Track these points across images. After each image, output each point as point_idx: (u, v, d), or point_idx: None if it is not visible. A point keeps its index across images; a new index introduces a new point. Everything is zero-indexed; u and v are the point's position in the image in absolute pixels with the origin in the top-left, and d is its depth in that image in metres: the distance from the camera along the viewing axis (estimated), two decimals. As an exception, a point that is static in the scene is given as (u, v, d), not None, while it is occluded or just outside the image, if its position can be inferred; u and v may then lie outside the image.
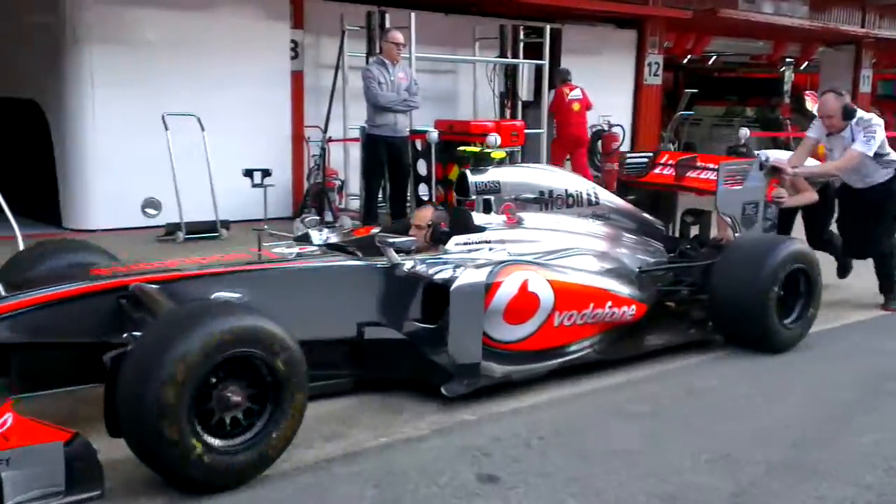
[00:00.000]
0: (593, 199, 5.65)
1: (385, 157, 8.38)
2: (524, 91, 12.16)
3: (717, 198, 5.81)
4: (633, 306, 5.03)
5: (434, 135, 8.72)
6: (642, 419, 4.31)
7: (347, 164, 10.26)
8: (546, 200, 5.38)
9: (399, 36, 8.51)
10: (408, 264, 4.46)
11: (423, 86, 9.14)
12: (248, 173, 8.31)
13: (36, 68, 9.13)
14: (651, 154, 6.81)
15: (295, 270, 4.33)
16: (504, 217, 5.13)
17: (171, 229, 8.42)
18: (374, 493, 3.42)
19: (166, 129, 8.24)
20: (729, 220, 5.93)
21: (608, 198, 5.84)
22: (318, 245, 4.81)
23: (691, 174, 6.25)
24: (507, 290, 4.40)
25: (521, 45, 11.81)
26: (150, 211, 8.74)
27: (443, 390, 4.23)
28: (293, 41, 10.10)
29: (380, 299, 4.40)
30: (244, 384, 3.38)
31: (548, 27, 11.59)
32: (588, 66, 12.45)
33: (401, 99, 8.31)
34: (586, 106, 11.50)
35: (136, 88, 8.71)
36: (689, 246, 6.17)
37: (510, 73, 11.89)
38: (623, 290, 5.03)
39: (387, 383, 4.47)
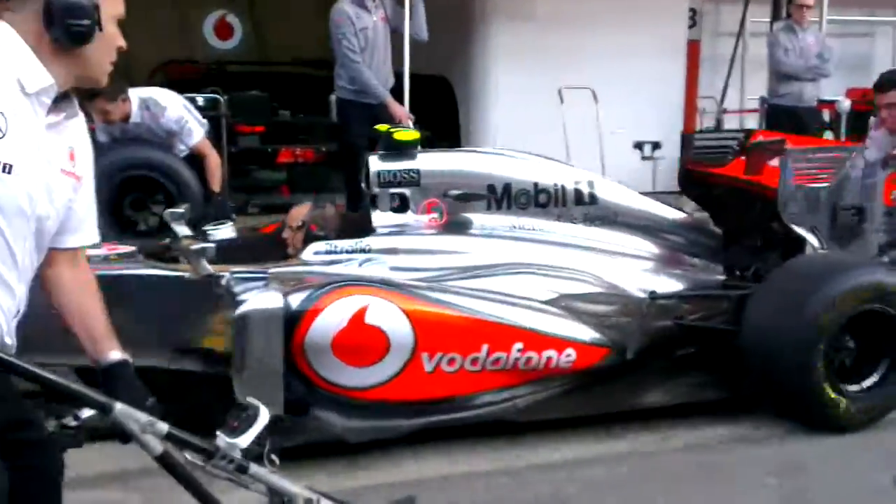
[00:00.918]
0: (586, 196, 4.21)
1: (787, 128, 7.90)
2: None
3: (779, 199, 4.22)
4: (571, 350, 3.66)
5: (845, 104, 8.11)
6: None
7: (742, 136, 9.81)
8: (484, 197, 4.03)
9: (809, -3, 7.98)
10: (226, 277, 3.51)
11: (834, 51, 8.41)
12: (638, 145, 8.29)
13: (446, 47, 9.86)
14: (741, 134, 5.00)
15: None
16: (426, 218, 3.97)
17: (561, 198, 8.69)
18: (775, 482, 3.29)
19: (561, 101, 8.49)
20: (804, 230, 4.23)
21: (614, 195, 4.33)
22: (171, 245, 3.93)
23: (773, 164, 4.39)
24: (331, 320, 3.36)
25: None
26: (539, 180, 9.09)
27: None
28: (691, 9, 9.82)
29: (191, 319, 3.50)
30: None
31: None
32: None
33: (808, 66, 7.79)
34: None
35: (534, 61, 9.01)
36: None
37: (942, 34, 10.53)
38: (563, 328, 3.69)
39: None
